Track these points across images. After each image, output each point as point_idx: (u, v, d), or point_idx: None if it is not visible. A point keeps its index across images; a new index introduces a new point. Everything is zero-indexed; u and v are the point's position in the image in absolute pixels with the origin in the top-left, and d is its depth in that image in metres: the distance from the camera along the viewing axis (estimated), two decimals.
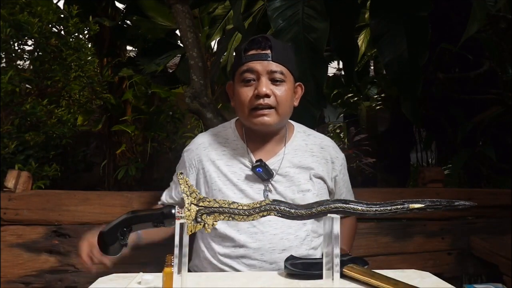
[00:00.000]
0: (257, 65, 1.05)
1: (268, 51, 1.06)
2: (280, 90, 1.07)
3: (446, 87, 2.87)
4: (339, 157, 1.21)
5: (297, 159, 1.14)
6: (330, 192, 1.19)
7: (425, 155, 3.92)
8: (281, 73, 1.07)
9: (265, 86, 1.05)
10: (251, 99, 1.06)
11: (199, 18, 3.44)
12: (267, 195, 1.09)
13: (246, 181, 1.10)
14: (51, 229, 1.52)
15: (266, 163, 1.09)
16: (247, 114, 1.08)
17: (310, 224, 1.11)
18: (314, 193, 1.11)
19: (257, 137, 1.14)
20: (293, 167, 1.13)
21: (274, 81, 1.07)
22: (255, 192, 1.09)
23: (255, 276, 0.97)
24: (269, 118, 1.06)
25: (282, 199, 1.08)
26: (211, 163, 1.14)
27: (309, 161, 1.15)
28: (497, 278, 1.55)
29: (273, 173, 1.10)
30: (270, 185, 1.10)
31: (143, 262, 1.54)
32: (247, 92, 1.07)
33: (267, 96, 1.05)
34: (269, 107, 1.06)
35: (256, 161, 1.09)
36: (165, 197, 1.26)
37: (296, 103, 1.16)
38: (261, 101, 1.05)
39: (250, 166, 1.10)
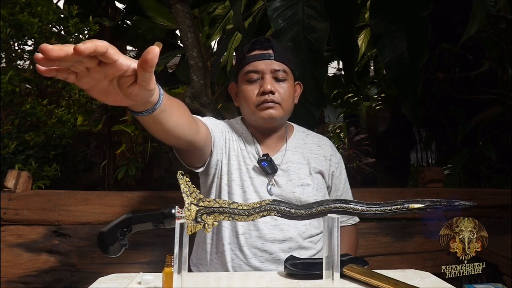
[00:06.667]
0: (261, 64, 1.10)
1: (270, 51, 1.11)
2: (283, 88, 1.11)
3: (446, 87, 2.87)
4: (336, 155, 1.26)
5: (298, 155, 1.18)
6: (328, 187, 1.23)
7: (425, 155, 3.92)
8: (284, 71, 1.11)
9: (270, 84, 1.09)
10: (257, 96, 1.10)
11: (199, 18, 3.44)
12: (270, 188, 1.12)
13: (252, 171, 1.13)
14: (51, 229, 1.52)
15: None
16: (253, 110, 1.11)
17: None
18: (313, 187, 1.15)
19: (260, 135, 1.18)
20: (294, 162, 1.17)
21: (277, 79, 1.11)
22: (259, 184, 1.12)
23: (254, 276, 0.97)
24: (275, 111, 1.10)
25: (283, 192, 1.12)
26: (233, 142, 1.16)
27: (309, 157, 1.19)
28: (497, 278, 1.55)
29: (277, 168, 1.13)
30: (273, 180, 1.13)
31: (143, 262, 1.55)
32: (252, 90, 1.11)
33: (272, 92, 1.09)
34: (274, 102, 1.09)
35: (263, 155, 1.12)
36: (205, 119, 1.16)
37: (296, 101, 1.20)
38: (266, 97, 1.09)
39: (257, 158, 1.13)
